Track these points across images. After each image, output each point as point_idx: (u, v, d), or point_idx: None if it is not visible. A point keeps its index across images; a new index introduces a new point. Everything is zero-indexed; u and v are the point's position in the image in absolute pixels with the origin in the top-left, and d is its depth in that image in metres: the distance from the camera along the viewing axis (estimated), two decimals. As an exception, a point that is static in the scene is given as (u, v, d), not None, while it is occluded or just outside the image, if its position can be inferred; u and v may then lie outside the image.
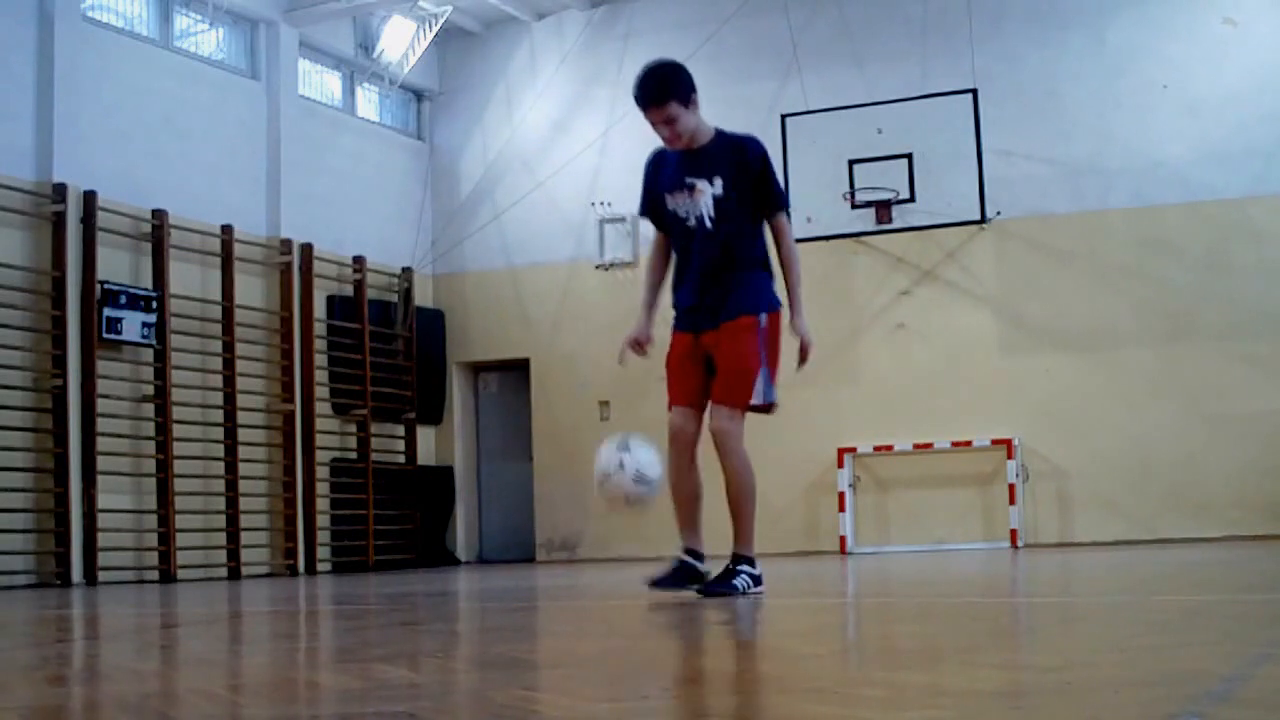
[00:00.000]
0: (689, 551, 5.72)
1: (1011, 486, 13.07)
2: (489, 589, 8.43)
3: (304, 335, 13.88)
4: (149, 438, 12.38)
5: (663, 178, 5.70)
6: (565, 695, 2.59)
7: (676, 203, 5.65)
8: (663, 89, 5.53)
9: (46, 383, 11.57)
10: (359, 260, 14.86)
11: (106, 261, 11.98)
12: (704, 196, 5.57)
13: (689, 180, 5.60)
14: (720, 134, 5.70)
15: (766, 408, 5.62)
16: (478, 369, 16.19)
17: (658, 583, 5.65)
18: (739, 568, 5.65)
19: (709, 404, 5.65)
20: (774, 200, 5.70)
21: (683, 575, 5.66)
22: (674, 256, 5.80)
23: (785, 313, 5.69)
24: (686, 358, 5.67)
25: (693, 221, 5.60)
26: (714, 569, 5.78)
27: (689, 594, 5.60)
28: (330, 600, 7.60)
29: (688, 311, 5.69)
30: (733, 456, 5.57)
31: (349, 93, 15.51)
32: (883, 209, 13.27)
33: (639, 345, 5.81)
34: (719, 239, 5.58)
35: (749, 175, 5.61)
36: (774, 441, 14.16)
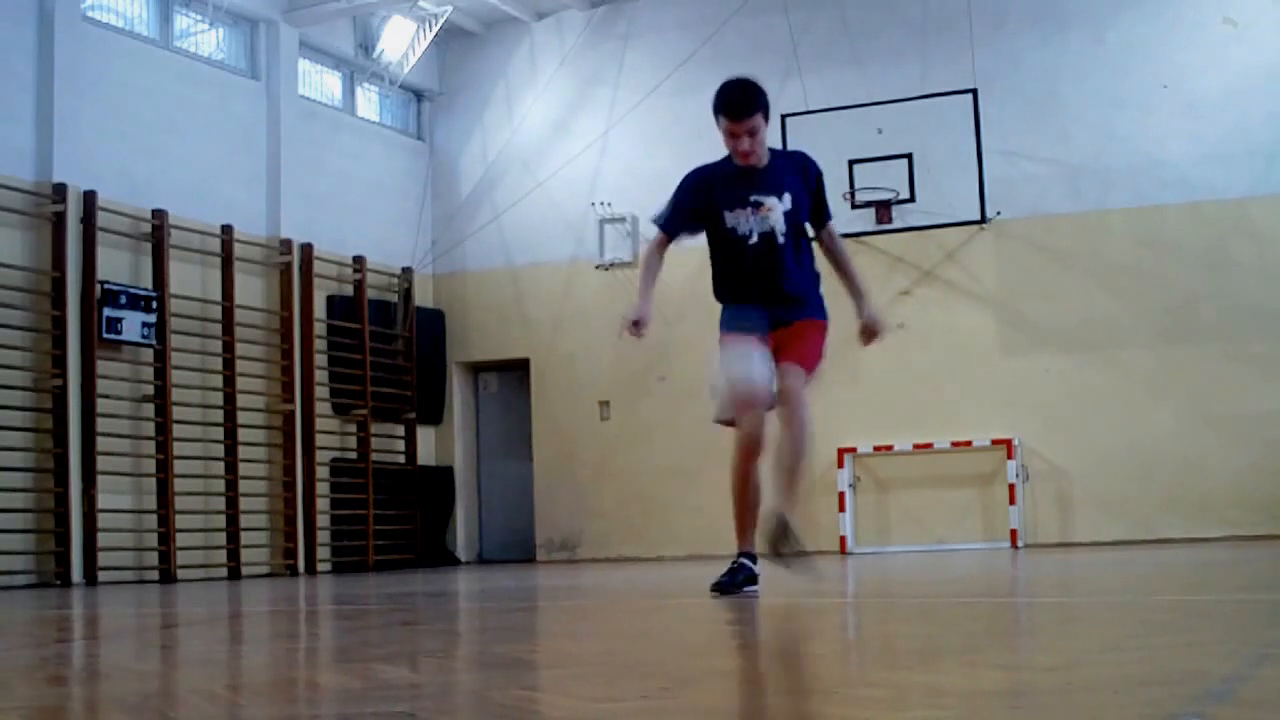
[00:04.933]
0: (749, 555, 5.79)
1: (1011, 486, 13.07)
2: (489, 589, 8.43)
3: (304, 335, 13.88)
4: (149, 438, 12.38)
5: (720, 196, 5.74)
6: (565, 695, 2.59)
7: (737, 219, 5.72)
8: (753, 100, 5.64)
9: (46, 383, 11.57)
10: (359, 260, 14.87)
11: (106, 261, 11.98)
12: (774, 213, 5.69)
13: (755, 198, 5.70)
14: (775, 152, 5.88)
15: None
16: (478, 369, 16.19)
17: (721, 587, 5.68)
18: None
19: (779, 366, 5.67)
20: (828, 210, 6.00)
21: (745, 578, 5.73)
22: (719, 268, 5.86)
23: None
24: (754, 346, 5.69)
25: (755, 238, 5.70)
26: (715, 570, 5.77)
27: (749, 596, 5.61)
28: (330, 600, 7.60)
29: (753, 320, 5.74)
30: (806, 409, 5.64)
31: (349, 93, 15.51)
32: (883, 209, 13.27)
33: (637, 326, 5.81)
34: (789, 252, 5.74)
35: (810, 190, 5.84)
36: (773, 441, 14.18)
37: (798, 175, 5.79)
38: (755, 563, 5.77)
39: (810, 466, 5.81)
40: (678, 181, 5.92)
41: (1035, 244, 13.49)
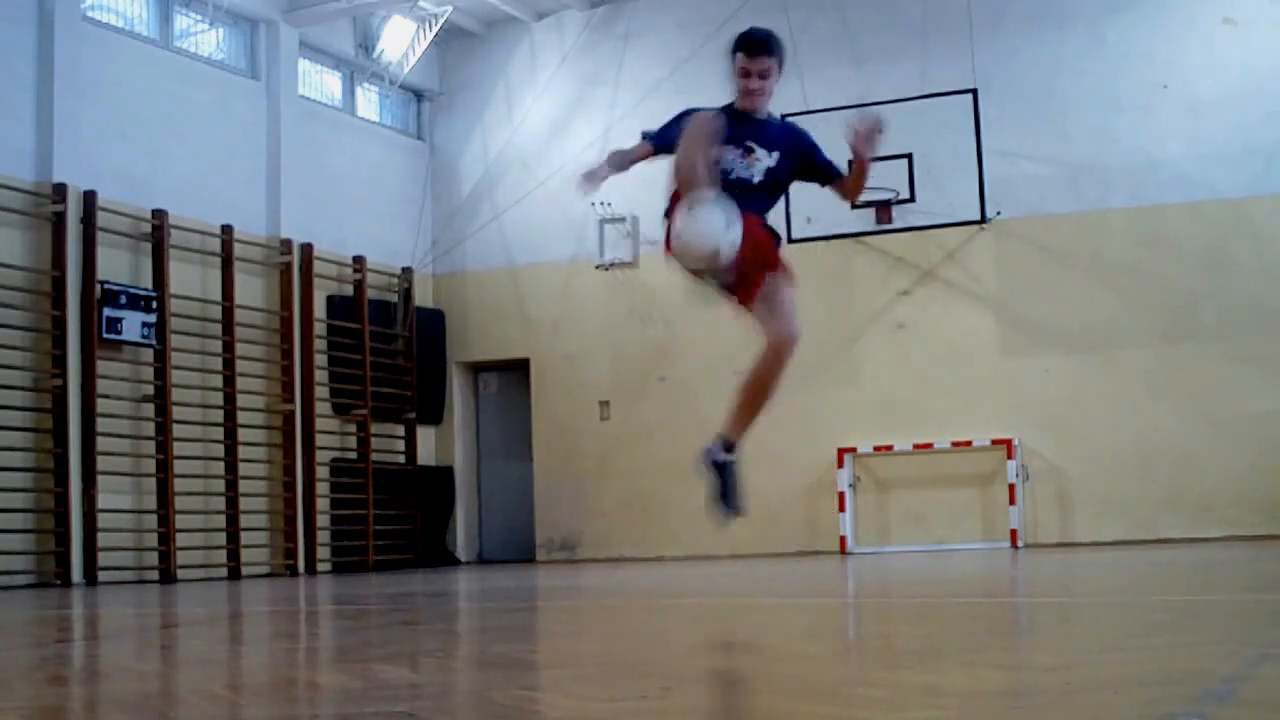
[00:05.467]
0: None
1: (1011, 486, 13.07)
2: (489, 589, 8.43)
3: (304, 335, 13.88)
4: (149, 438, 12.38)
5: (722, 131, 5.74)
6: (565, 695, 2.59)
7: (731, 161, 5.77)
8: (772, 43, 5.80)
9: (46, 383, 11.57)
10: (359, 260, 14.86)
11: (106, 261, 11.98)
12: (758, 164, 5.78)
13: (749, 143, 5.79)
14: (775, 117, 5.94)
15: None
16: (478, 369, 16.19)
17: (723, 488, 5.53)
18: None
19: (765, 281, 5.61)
20: (833, 168, 5.95)
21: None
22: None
23: None
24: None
25: (734, 177, 5.75)
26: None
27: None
28: (330, 600, 7.60)
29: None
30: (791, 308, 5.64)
31: (349, 93, 15.51)
32: (883, 209, 13.27)
33: (590, 178, 5.91)
34: (752, 200, 5.70)
35: (800, 158, 5.87)
36: (774, 441, 14.18)
37: (789, 142, 5.87)
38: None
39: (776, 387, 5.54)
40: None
41: (1035, 244, 13.49)
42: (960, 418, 13.44)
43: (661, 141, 5.85)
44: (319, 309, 14.29)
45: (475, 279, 15.81)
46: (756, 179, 5.79)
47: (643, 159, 5.93)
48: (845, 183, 5.98)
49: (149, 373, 12.43)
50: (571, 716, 2.27)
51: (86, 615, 6.74)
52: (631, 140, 6.14)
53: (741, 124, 5.77)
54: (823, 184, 6.02)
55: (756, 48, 5.75)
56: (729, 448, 5.54)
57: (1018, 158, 13.44)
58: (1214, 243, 12.96)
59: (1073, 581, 6.83)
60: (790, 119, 6.08)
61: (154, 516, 12.34)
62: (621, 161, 5.91)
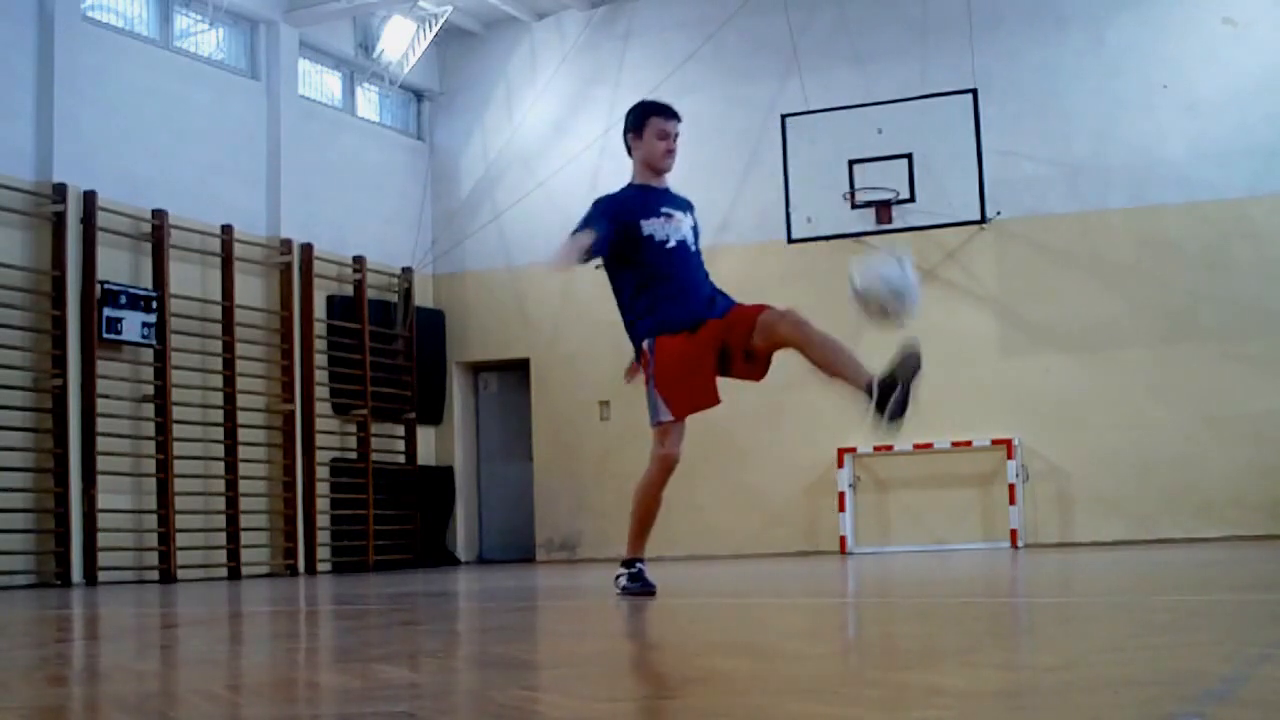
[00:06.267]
0: (643, 562, 6.31)
1: (1011, 486, 13.07)
2: (489, 589, 8.43)
3: (304, 335, 13.88)
4: (149, 438, 12.38)
5: (636, 208, 6.12)
6: (565, 695, 2.59)
7: (654, 227, 6.09)
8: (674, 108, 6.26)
9: (46, 383, 11.57)
10: (359, 260, 14.87)
11: (106, 261, 11.98)
12: (684, 224, 6.18)
13: (665, 210, 6.15)
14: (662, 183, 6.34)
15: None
16: (478, 369, 16.19)
17: (637, 589, 6.09)
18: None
19: (758, 314, 5.83)
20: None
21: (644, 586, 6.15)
22: (634, 280, 6.11)
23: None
24: (691, 354, 5.91)
25: (673, 243, 6.10)
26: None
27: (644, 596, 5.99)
28: (330, 600, 7.60)
29: (687, 315, 5.97)
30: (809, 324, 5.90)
31: (349, 93, 15.51)
32: (883, 209, 13.27)
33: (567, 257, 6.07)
34: (698, 257, 6.20)
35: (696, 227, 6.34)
36: (774, 441, 14.20)
37: (685, 202, 6.28)
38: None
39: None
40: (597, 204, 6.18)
41: (1035, 244, 13.49)
42: (960, 418, 13.43)
43: (598, 225, 6.04)
44: (319, 309, 14.29)
45: (475, 279, 15.81)
46: (690, 242, 6.15)
47: (589, 250, 6.09)
48: None
49: (149, 373, 12.43)
50: (571, 716, 2.27)
51: (86, 615, 6.74)
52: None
53: (651, 195, 6.16)
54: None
55: (673, 112, 6.17)
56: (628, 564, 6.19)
57: (1018, 158, 13.44)
58: (1214, 243, 12.96)
59: (1073, 581, 6.83)
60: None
61: (154, 516, 12.34)
62: (580, 253, 6.05)
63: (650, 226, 6.05)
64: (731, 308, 5.97)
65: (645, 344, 6.00)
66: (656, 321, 5.99)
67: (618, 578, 6.16)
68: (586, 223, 6.03)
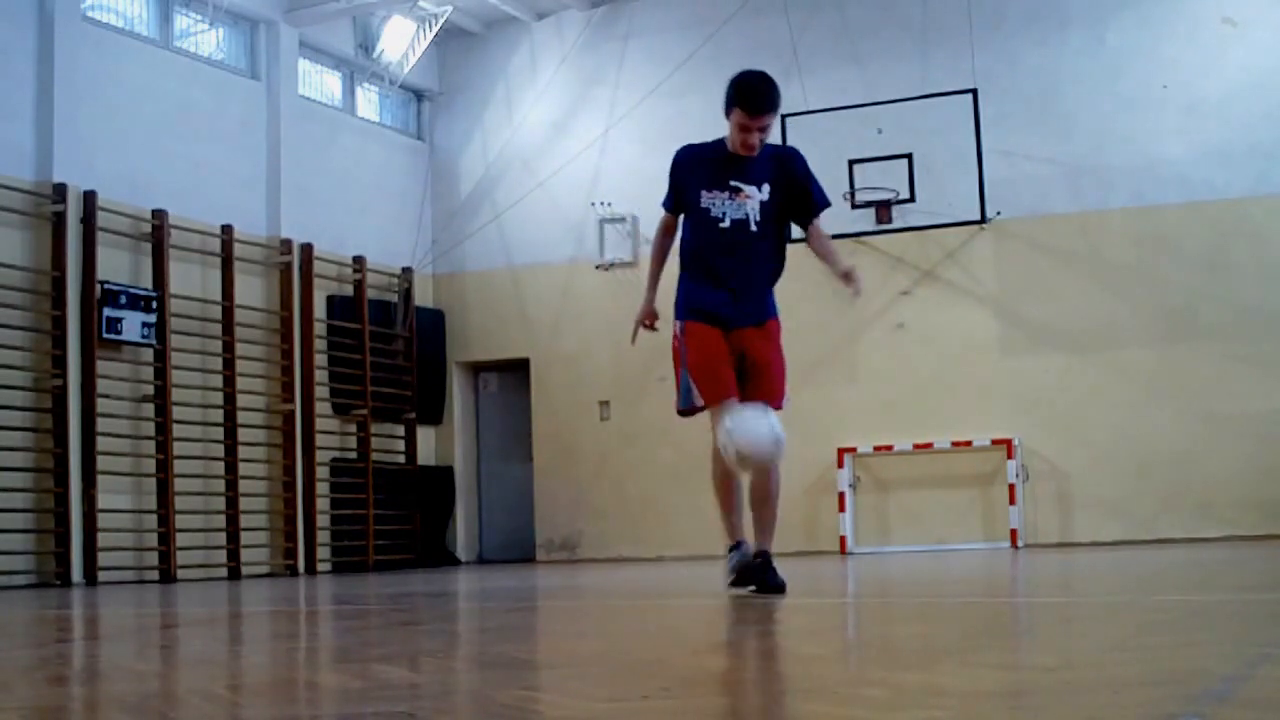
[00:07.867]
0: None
1: (1011, 486, 13.07)
2: (489, 589, 8.43)
3: (304, 335, 13.88)
4: (149, 438, 12.38)
5: (700, 174, 5.79)
6: (565, 695, 2.59)
7: (712, 200, 5.76)
8: (775, 99, 5.72)
9: (46, 383, 11.57)
10: (359, 260, 14.86)
11: (106, 261, 11.98)
12: (751, 202, 5.74)
13: (734, 183, 5.75)
14: (767, 146, 5.86)
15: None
16: (478, 369, 16.19)
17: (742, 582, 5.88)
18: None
19: (758, 401, 5.73)
20: (816, 201, 5.94)
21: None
22: (690, 242, 5.87)
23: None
24: (722, 351, 5.79)
25: (728, 222, 5.74)
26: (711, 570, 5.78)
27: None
28: (330, 600, 7.60)
29: (718, 308, 5.80)
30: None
31: (349, 93, 15.51)
32: (883, 209, 13.27)
33: (649, 322, 6.03)
34: (763, 242, 5.78)
35: (794, 185, 5.83)
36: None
37: (780, 169, 5.82)
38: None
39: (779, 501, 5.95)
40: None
41: (1035, 244, 13.49)
42: (960, 418, 13.44)
43: (672, 204, 5.94)
44: (319, 309, 14.29)
45: (475, 279, 15.81)
46: (754, 222, 5.73)
47: (671, 230, 5.97)
48: (816, 232, 5.96)
49: (149, 373, 12.43)
50: (571, 716, 2.27)
51: (86, 615, 6.74)
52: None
53: (729, 165, 5.76)
54: (803, 224, 5.96)
55: (760, 106, 5.64)
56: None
57: (1017, 158, 13.44)
58: (1214, 243, 12.96)
59: (1072, 581, 6.83)
60: (779, 145, 6.16)
61: (154, 516, 12.34)
62: (657, 267, 6.00)
63: (709, 199, 5.75)
64: (764, 322, 5.81)
65: (677, 325, 5.86)
66: (689, 304, 5.82)
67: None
68: (667, 194, 5.93)
